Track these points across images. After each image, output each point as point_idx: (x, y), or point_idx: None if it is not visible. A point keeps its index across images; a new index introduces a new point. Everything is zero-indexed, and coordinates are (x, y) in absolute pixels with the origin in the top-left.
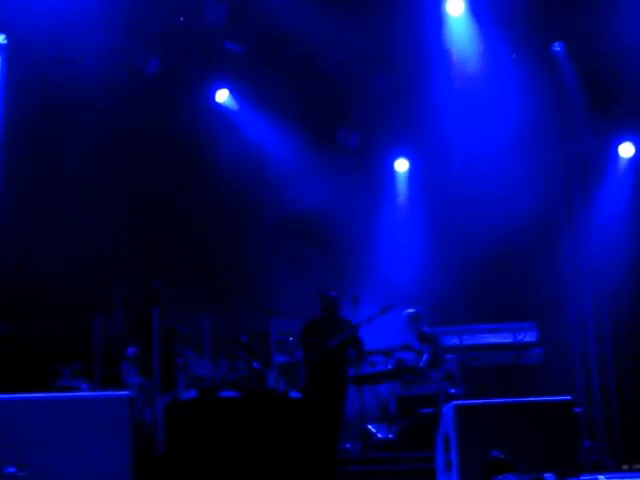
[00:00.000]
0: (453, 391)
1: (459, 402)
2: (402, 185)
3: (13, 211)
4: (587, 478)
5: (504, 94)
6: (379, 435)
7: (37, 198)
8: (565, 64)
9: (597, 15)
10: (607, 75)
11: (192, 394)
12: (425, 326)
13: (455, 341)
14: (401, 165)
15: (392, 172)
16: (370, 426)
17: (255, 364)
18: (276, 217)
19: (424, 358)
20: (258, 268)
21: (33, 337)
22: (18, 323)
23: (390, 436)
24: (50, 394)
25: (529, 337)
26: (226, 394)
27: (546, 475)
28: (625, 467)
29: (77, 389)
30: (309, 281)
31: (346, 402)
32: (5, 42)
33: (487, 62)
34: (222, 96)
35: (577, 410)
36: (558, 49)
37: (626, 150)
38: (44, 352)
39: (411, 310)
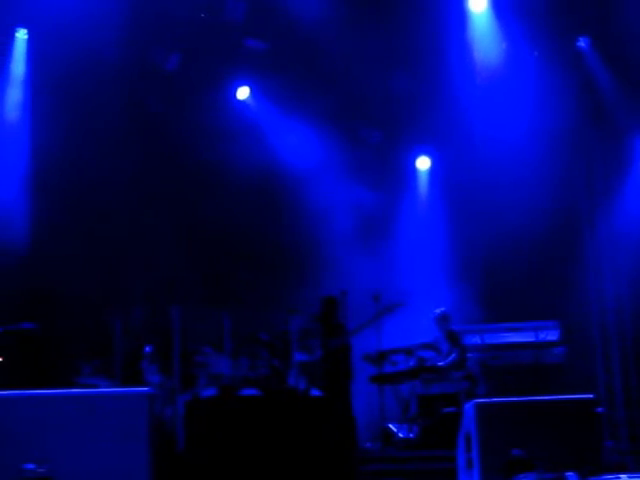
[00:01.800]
0: (474, 390)
1: (480, 401)
2: (423, 183)
3: (38, 213)
4: (609, 478)
5: (526, 91)
6: (400, 434)
7: (60, 200)
8: (590, 59)
9: (623, 8)
10: (633, 70)
11: (212, 392)
12: (452, 326)
13: (476, 340)
14: (423, 163)
15: (414, 170)
16: (391, 425)
17: (275, 362)
18: (298, 215)
19: (451, 357)
20: (279, 266)
21: (54, 335)
22: (40, 321)
23: (411, 435)
24: (70, 390)
25: (551, 336)
26: (246, 392)
27: (568, 474)
28: None
29: (97, 387)
30: (328, 280)
31: (350, 401)
32: (26, 37)
33: (509, 58)
34: (243, 93)
35: (599, 409)
36: (582, 44)
37: None
38: (65, 350)
39: (439, 310)
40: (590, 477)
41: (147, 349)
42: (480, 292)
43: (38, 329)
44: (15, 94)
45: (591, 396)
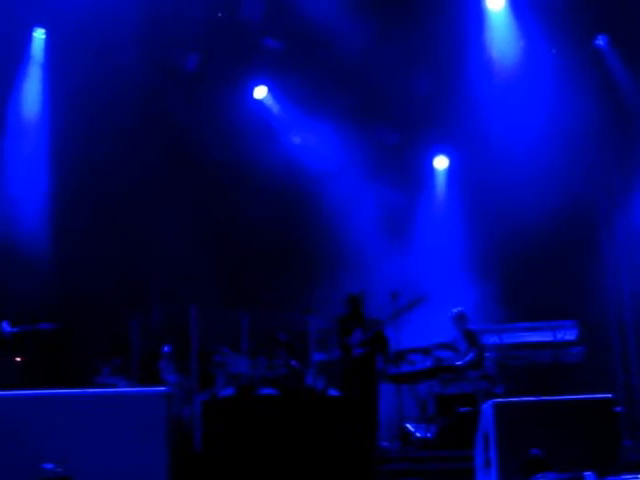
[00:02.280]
0: (492, 390)
1: (499, 401)
2: (441, 182)
3: (57, 214)
4: (628, 477)
5: (544, 90)
6: (417, 434)
7: (78, 201)
8: (608, 57)
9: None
10: None
11: (230, 392)
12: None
13: (494, 340)
14: (440, 162)
15: (432, 169)
16: (408, 425)
17: (293, 362)
18: (316, 215)
19: (468, 357)
20: (297, 266)
21: (73, 335)
22: (59, 321)
23: (428, 435)
24: (88, 390)
25: (569, 335)
26: (264, 392)
27: (586, 474)
28: None
29: (115, 387)
30: (346, 280)
31: (378, 400)
32: (44, 37)
33: (527, 57)
34: (260, 93)
35: (617, 409)
36: (601, 42)
37: None
38: (83, 350)
39: (456, 310)
40: (609, 477)
41: (165, 349)
42: (498, 291)
43: (56, 329)
44: (33, 94)
45: (609, 395)
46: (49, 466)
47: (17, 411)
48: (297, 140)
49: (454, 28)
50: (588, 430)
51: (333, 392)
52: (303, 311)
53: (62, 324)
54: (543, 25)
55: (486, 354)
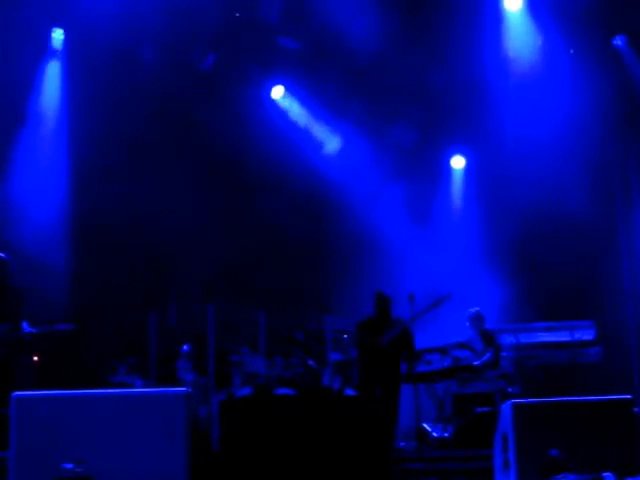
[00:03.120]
0: (510, 390)
1: (517, 401)
2: (458, 182)
3: (75, 214)
4: None
5: (562, 90)
6: (434, 434)
7: (95, 201)
8: (627, 58)
9: None
10: None
11: (247, 391)
12: (486, 325)
13: (512, 339)
14: (457, 162)
15: (449, 169)
16: (425, 425)
17: (310, 362)
18: (333, 214)
19: (485, 357)
20: (315, 266)
21: (89, 334)
22: (76, 321)
23: (445, 435)
24: (106, 390)
25: (586, 335)
26: (281, 392)
27: (605, 475)
28: None
29: (131, 386)
30: (364, 279)
31: (400, 399)
32: (62, 37)
33: (545, 57)
34: (277, 93)
35: (636, 410)
36: (619, 43)
37: None
38: (100, 349)
39: (473, 310)
40: (628, 477)
41: (185, 348)
42: (515, 291)
43: (74, 329)
44: (52, 95)
45: (628, 396)
46: (69, 466)
47: (37, 411)
48: (313, 139)
49: (471, 28)
50: (607, 431)
51: (350, 392)
52: (321, 310)
53: (79, 324)
54: (561, 25)
55: (503, 354)
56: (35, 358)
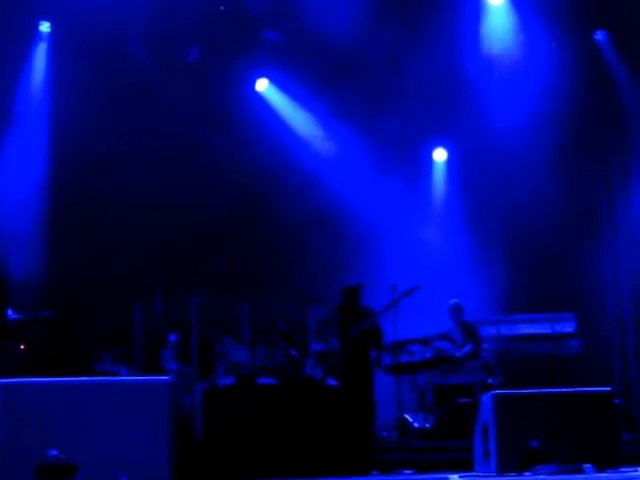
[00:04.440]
0: (491, 381)
1: (498, 392)
2: (440, 175)
3: (60, 201)
4: (626, 470)
5: (544, 84)
6: (416, 424)
7: (80, 190)
8: (607, 52)
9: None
10: None
11: (230, 381)
12: (466, 317)
13: (493, 331)
14: (439, 155)
15: (431, 162)
16: (407, 415)
17: (293, 352)
18: (315, 206)
19: (466, 349)
20: (297, 257)
21: (75, 322)
22: (60, 308)
23: (427, 425)
24: (91, 378)
25: (567, 328)
26: (264, 381)
27: (585, 466)
28: None
29: (117, 374)
30: (347, 271)
31: (373, 390)
32: (49, 30)
33: (527, 51)
34: (262, 85)
35: (616, 401)
36: (600, 37)
37: None
38: (85, 337)
39: (452, 301)
40: (607, 469)
41: (172, 337)
42: (496, 283)
43: (57, 316)
44: (37, 86)
45: (608, 388)
46: (53, 453)
47: (22, 398)
48: (297, 131)
49: (454, 21)
50: (587, 422)
51: (332, 382)
52: (304, 301)
53: (64, 312)
54: (543, 20)
55: (485, 345)
56: (22, 346)
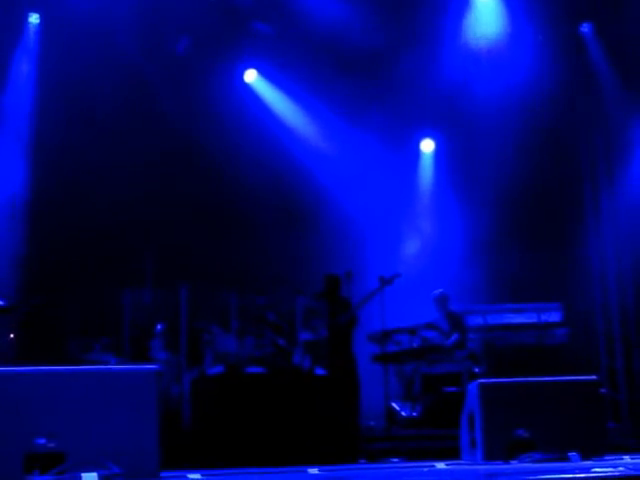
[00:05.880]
0: (477, 370)
1: (484, 381)
2: (428, 165)
3: (45, 184)
4: (612, 458)
5: (530, 75)
6: (403, 413)
7: (69, 174)
8: (593, 45)
9: None
10: (635, 55)
11: (218, 370)
12: (451, 306)
13: (479, 320)
14: (427, 146)
15: (418, 152)
16: (394, 404)
17: (281, 341)
18: (305, 196)
19: (452, 338)
20: (286, 247)
21: (63, 311)
22: (48, 296)
23: (414, 414)
24: (78, 367)
25: (553, 317)
26: (252, 370)
27: (571, 454)
28: None
29: (106, 363)
30: (335, 261)
31: (358, 379)
32: (38, 22)
33: (513, 42)
34: (250, 76)
35: (602, 390)
36: (586, 30)
37: None
38: (74, 326)
39: (437, 291)
40: (593, 458)
41: (159, 327)
42: (483, 273)
43: (46, 303)
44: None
45: (594, 377)
46: (41, 441)
47: (9, 387)
48: (286, 122)
49: (440, 12)
50: (573, 411)
51: (319, 371)
52: (293, 292)
53: (53, 299)
54: (529, 11)
55: (471, 335)
56: (11, 335)
